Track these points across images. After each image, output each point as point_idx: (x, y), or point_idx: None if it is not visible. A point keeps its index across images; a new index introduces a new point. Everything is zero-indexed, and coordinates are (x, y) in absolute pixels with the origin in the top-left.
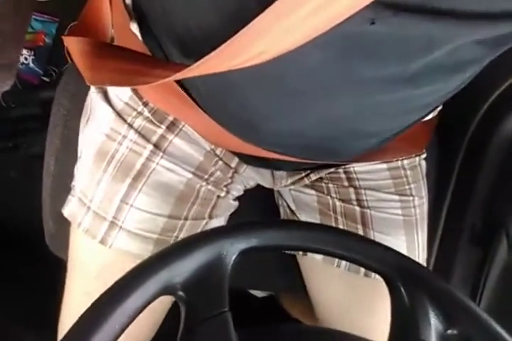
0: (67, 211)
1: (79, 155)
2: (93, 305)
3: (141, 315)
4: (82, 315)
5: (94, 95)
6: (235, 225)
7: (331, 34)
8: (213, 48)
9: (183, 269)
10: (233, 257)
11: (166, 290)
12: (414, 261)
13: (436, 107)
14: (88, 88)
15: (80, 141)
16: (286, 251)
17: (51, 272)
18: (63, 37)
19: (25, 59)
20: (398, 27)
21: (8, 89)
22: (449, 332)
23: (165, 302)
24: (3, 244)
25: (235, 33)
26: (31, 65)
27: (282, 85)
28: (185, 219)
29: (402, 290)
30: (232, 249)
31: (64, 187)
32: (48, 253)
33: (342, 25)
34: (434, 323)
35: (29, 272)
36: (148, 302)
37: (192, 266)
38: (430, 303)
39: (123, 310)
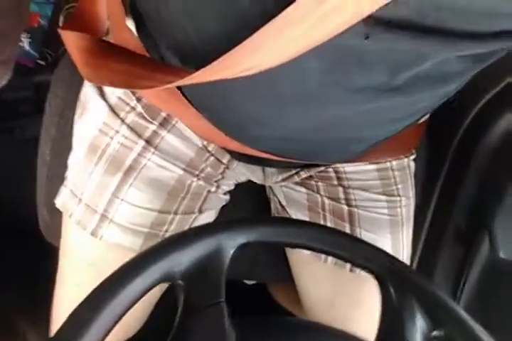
0: (59, 201)
1: (73, 146)
2: (98, 287)
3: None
4: (84, 300)
5: (89, 88)
6: (236, 220)
7: (325, 46)
8: (212, 57)
9: (183, 259)
10: (232, 250)
11: (166, 278)
12: (404, 264)
13: (427, 113)
14: (83, 78)
15: (74, 133)
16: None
17: (42, 259)
18: (59, 30)
19: (21, 42)
20: (389, 42)
21: (5, 83)
22: (435, 333)
23: (155, 291)
24: None
25: (235, 44)
26: (27, 47)
27: (274, 92)
28: (175, 213)
29: (392, 290)
30: (231, 243)
31: (59, 176)
32: (40, 240)
33: (336, 38)
34: (420, 324)
35: (20, 258)
36: (149, 289)
37: (192, 256)
38: (417, 305)
39: (124, 294)
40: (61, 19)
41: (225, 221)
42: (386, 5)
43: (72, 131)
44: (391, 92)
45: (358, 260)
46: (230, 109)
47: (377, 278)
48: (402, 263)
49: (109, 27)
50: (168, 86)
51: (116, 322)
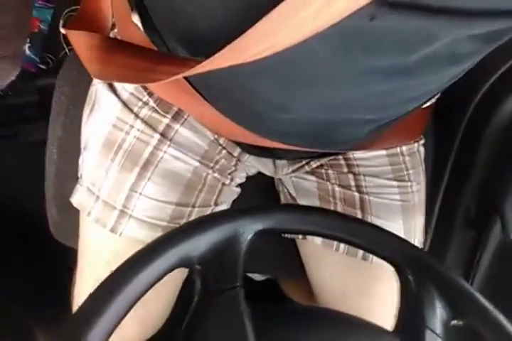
0: (75, 200)
1: (83, 145)
2: (116, 270)
3: (157, 291)
4: (103, 282)
5: (99, 85)
6: (253, 207)
7: (332, 28)
8: (222, 45)
9: (200, 244)
10: (249, 236)
11: (183, 263)
12: (422, 250)
13: (436, 94)
14: (90, 76)
15: (83, 131)
16: (287, 235)
17: (51, 259)
18: (66, 30)
19: (23, 54)
20: (396, 23)
21: (14, 79)
22: (455, 322)
23: (178, 279)
24: (2, 231)
25: (245, 29)
26: (27, 52)
27: (284, 75)
28: (193, 206)
29: (411, 278)
30: (249, 229)
31: (67, 175)
32: (48, 241)
33: (343, 20)
34: (440, 313)
35: (29, 260)
36: (165, 273)
37: (210, 241)
38: (437, 293)
39: (142, 277)
40: (61, 23)
41: (243, 207)
42: None
43: (79, 129)
44: (401, 74)
45: (374, 247)
46: (245, 95)
47: (395, 265)
48: (420, 249)
49: (114, 23)
50: (179, 76)
51: (132, 306)
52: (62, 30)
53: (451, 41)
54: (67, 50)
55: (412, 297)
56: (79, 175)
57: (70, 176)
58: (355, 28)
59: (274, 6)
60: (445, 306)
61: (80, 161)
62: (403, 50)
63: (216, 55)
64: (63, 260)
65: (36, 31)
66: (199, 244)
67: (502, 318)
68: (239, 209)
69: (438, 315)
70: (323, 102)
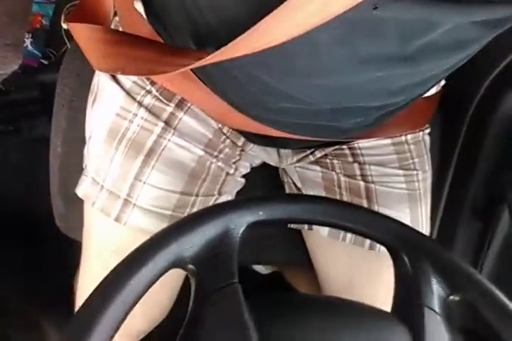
0: (80, 191)
1: (88, 135)
2: (105, 279)
3: (156, 288)
4: (96, 288)
5: (102, 75)
6: (243, 199)
7: (335, 18)
8: (229, 36)
9: (192, 243)
10: (241, 230)
11: (176, 264)
12: (415, 230)
13: (439, 81)
14: (92, 68)
15: (87, 121)
16: (292, 226)
17: (55, 254)
18: (68, 23)
19: (24, 42)
20: (398, 11)
21: (16, 68)
22: (451, 297)
23: (177, 277)
24: (4, 226)
25: (253, 22)
26: (30, 47)
27: (286, 64)
28: (197, 195)
29: (405, 258)
30: (240, 222)
31: (72, 167)
32: (51, 235)
33: (346, 11)
34: (436, 289)
35: (33, 252)
36: (159, 276)
37: (201, 239)
38: (432, 270)
39: (133, 284)
40: (63, 18)
41: (232, 200)
42: None
43: (83, 121)
44: (401, 61)
45: (365, 229)
46: (250, 83)
47: (387, 246)
48: (412, 228)
49: (115, 11)
50: (188, 67)
51: (127, 313)
52: (64, 25)
53: (454, 28)
54: (69, 46)
55: (407, 276)
56: (83, 166)
57: (75, 168)
58: (358, 17)
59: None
60: (441, 283)
61: (85, 152)
62: (405, 37)
63: (226, 47)
64: (65, 256)
65: (38, 26)
66: (190, 243)
67: (497, 292)
68: (227, 203)
69: (435, 292)
70: (324, 89)
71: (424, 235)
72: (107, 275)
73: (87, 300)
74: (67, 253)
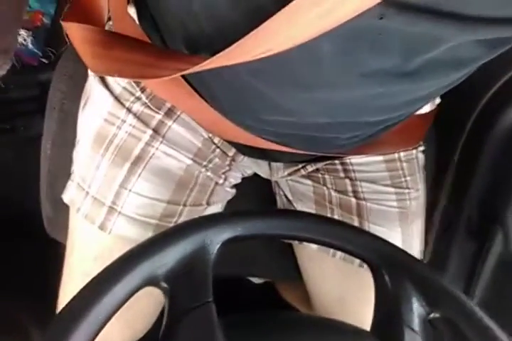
0: (66, 196)
1: (77, 139)
2: (74, 298)
3: (141, 299)
4: (63, 308)
5: (92, 78)
6: (218, 214)
7: (338, 28)
8: (224, 43)
9: (165, 260)
10: (217, 247)
11: (148, 282)
12: (397, 247)
13: (434, 98)
14: (85, 71)
15: (78, 125)
16: (284, 240)
17: (44, 254)
18: (62, 22)
19: (24, 40)
20: (403, 23)
21: (4, 73)
22: (432, 315)
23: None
24: None
25: (249, 29)
26: (30, 46)
27: (286, 75)
28: (184, 205)
29: (386, 276)
30: (215, 239)
31: (61, 171)
32: (42, 236)
33: (352, 19)
34: (416, 308)
35: (21, 254)
36: (131, 295)
37: (175, 256)
38: (413, 288)
39: (104, 303)
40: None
41: (208, 215)
42: None
43: (74, 125)
44: (402, 77)
45: (347, 246)
46: (239, 93)
47: (369, 263)
48: (394, 246)
49: (110, 15)
50: (183, 73)
51: (99, 330)
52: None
53: (456, 46)
54: (69, 45)
55: (387, 294)
56: (71, 171)
57: (64, 172)
58: (363, 26)
59: (282, 6)
60: (421, 301)
61: (74, 156)
62: (409, 52)
63: (222, 53)
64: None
65: (39, 25)
66: (164, 261)
67: (477, 309)
68: (203, 218)
69: (415, 311)
70: (320, 102)
71: (406, 252)
72: (78, 293)
73: (54, 321)
74: (54, 255)
